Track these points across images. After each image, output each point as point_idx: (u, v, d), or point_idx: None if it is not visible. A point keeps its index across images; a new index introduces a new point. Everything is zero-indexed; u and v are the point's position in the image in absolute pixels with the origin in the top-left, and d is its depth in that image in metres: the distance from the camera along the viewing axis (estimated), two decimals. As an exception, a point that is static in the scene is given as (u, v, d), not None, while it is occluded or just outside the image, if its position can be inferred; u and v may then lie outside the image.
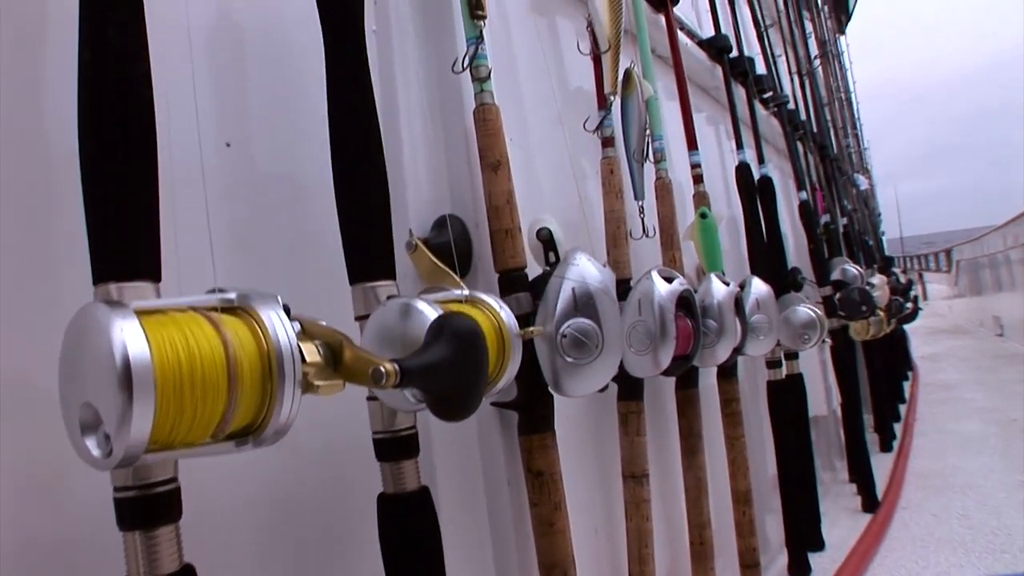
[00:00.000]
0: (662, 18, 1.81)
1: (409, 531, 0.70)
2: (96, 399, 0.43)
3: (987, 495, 2.63)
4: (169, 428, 0.45)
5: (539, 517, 0.94)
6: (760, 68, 2.69)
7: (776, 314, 1.66)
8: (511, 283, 0.92)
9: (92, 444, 0.44)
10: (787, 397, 2.09)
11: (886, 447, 3.48)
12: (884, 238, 10.27)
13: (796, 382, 2.13)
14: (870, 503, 2.60)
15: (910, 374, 5.69)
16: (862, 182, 6.34)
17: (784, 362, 2.08)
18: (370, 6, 0.96)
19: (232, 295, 0.52)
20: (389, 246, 0.71)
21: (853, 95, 9.37)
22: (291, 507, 0.77)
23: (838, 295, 2.58)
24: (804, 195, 2.76)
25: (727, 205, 2.20)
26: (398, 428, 0.70)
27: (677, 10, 1.86)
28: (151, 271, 0.52)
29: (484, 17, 0.97)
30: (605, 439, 1.27)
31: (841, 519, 2.51)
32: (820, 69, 5.00)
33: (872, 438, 3.32)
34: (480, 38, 0.97)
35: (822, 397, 2.83)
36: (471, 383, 0.57)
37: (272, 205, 0.80)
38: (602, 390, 0.96)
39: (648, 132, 1.44)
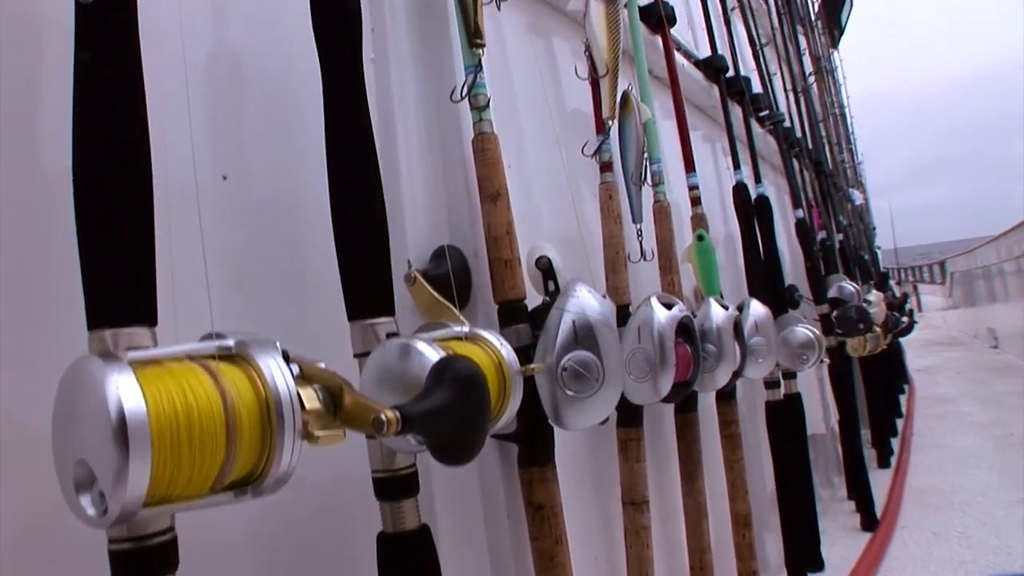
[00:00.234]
0: (659, 39, 1.81)
1: (409, 571, 0.69)
2: (90, 457, 0.42)
3: (986, 513, 2.62)
4: (166, 484, 0.44)
5: (539, 551, 0.92)
6: (756, 86, 2.69)
7: (775, 336, 1.65)
8: (510, 315, 0.92)
9: (87, 502, 0.43)
10: (786, 417, 2.08)
11: (884, 463, 3.47)
12: (879, 250, 10.30)
13: (794, 401, 2.12)
14: (869, 521, 2.59)
15: (906, 387, 5.69)
16: (857, 197, 6.36)
17: (782, 382, 2.07)
18: (367, 33, 0.95)
19: (230, 342, 0.51)
20: (388, 282, 0.70)
21: (847, 109, 9.42)
22: (289, 544, 0.76)
23: (835, 313, 2.58)
24: (800, 213, 2.76)
25: (724, 223, 2.20)
26: (398, 467, 0.69)
27: (673, 30, 1.86)
28: (147, 316, 0.51)
29: (483, 45, 0.97)
30: (604, 465, 1.26)
31: (840, 538, 2.49)
32: (815, 85, 5.02)
33: (869, 454, 3.31)
34: (479, 66, 0.96)
35: (820, 415, 2.83)
36: (473, 429, 0.56)
37: (269, 239, 0.80)
38: (603, 422, 0.95)
39: (646, 155, 1.44)
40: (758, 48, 2.92)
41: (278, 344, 0.53)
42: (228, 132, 0.79)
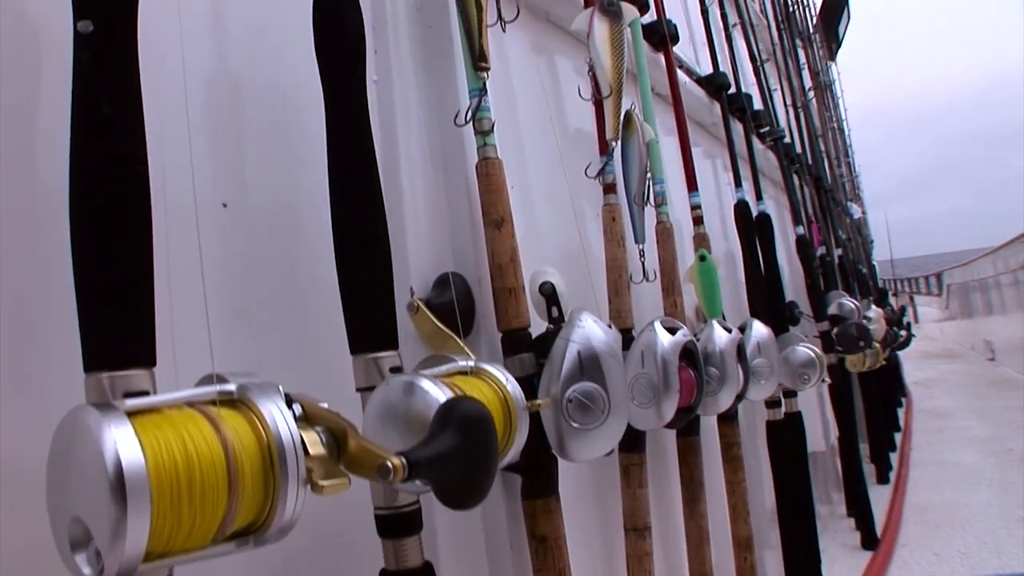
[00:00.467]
0: (661, 57, 1.80)
1: (411, 610, 0.68)
2: (86, 514, 0.41)
3: (988, 532, 2.60)
4: (166, 539, 0.43)
5: (543, 584, 0.91)
6: (757, 102, 2.69)
7: (777, 356, 1.64)
8: (515, 344, 0.90)
9: (82, 561, 0.41)
10: (786, 436, 2.06)
11: (883, 478, 3.46)
12: (875, 261, 10.30)
13: (795, 420, 2.10)
14: (869, 540, 2.58)
15: (903, 400, 5.68)
16: (855, 211, 6.37)
17: (783, 400, 2.06)
18: (370, 55, 0.94)
19: (232, 387, 0.50)
20: (392, 315, 0.69)
21: (845, 123, 9.44)
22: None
23: (835, 330, 2.57)
24: (801, 229, 2.76)
25: (724, 238, 2.18)
26: (400, 505, 0.67)
27: (675, 48, 1.86)
28: (146, 357, 0.49)
29: (487, 69, 0.96)
30: (605, 491, 1.24)
31: (840, 556, 2.48)
32: (814, 100, 5.03)
33: (868, 469, 3.29)
34: (483, 90, 0.95)
35: (820, 432, 2.81)
36: (481, 473, 0.55)
37: (270, 268, 0.78)
38: (608, 454, 0.94)
39: (649, 175, 1.43)
40: (759, 64, 2.92)
41: (280, 388, 0.51)
42: (229, 159, 0.77)
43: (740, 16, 2.87)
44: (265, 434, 0.48)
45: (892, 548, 2.53)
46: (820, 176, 3.80)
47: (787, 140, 3.08)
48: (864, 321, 2.73)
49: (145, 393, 0.48)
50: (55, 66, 0.59)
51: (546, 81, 1.36)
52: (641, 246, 1.37)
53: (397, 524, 0.68)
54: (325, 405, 0.56)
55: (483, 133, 0.94)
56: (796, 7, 5.71)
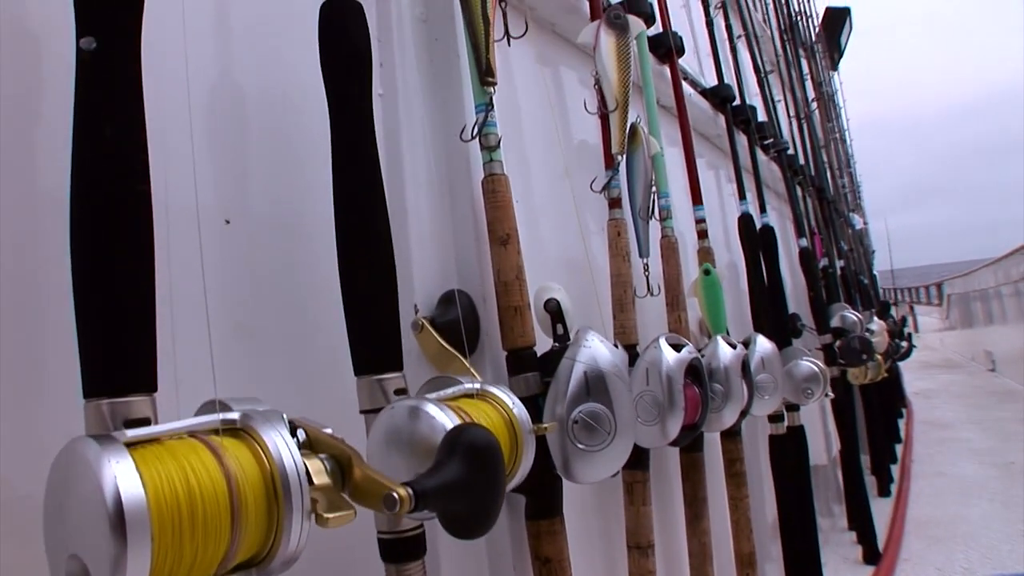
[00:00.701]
0: (667, 69, 1.79)
1: (414, 636, 0.67)
2: (84, 551, 0.40)
3: (990, 547, 2.59)
4: (167, 575, 0.41)
5: (546, 606, 0.89)
6: (761, 114, 2.68)
7: (781, 371, 1.63)
8: (520, 363, 0.89)
9: (80, 599, 0.40)
10: (789, 450, 2.05)
11: (884, 491, 3.44)
12: (876, 271, 10.29)
13: (798, 434, 2.09)
14: (871, 554, 2.56)
15: (904, 411, 5.66)
16: (857, 221, 6.36)
17: (786, 414, 2.05)
18: (376, 69, 0.93)
19: (235, 415, 0.48)
20: (397, 337, 0.68)
21: (847, 133, 9.44)
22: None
23: (838, 343, 2.56)
24: (804, 242, 2.74)
25: (727, 250, 2.17)
26: (404, 529, 0.66)
27: (680, 60, 1.85)
28: (146, 383, 0.48)
29: (494, 84, 0.95)
30: (609, 508, 1.23)
31: (842, 571, 2.46)
32: (816, 111, 5.02)
33: (869, 481, 3.28)
34: (490, 104, 0.94)
35: (822, 446, 2.80)
36: (488, 504, 0.54)
37: (272, 286, 0.77)
38: (614, 475, 0.92)
39: (654, 189, 1.42)
40: (763, 75, 2.91)
41: (284, 415, 0.50)
42: (232, 176, 0.76)
43: (744, 27, 2.87)
44: (269, 464, 0.47)
45: (894, 563, 2.51)
46: (823, 187, 3.79)
47: (790, 151, 3.07)
48: (867, 334, 2.72)
49: (146, 420, 0.47)
50: (55, 66, 0.58)
51: (552, 94, 1.35)
52: (645, 260, 1.36)
53: (400, 548, 0.67)
54: (329, 430, 0.55)
55: (489, 148, 0.93)
56: (799, 17, 5.71)
